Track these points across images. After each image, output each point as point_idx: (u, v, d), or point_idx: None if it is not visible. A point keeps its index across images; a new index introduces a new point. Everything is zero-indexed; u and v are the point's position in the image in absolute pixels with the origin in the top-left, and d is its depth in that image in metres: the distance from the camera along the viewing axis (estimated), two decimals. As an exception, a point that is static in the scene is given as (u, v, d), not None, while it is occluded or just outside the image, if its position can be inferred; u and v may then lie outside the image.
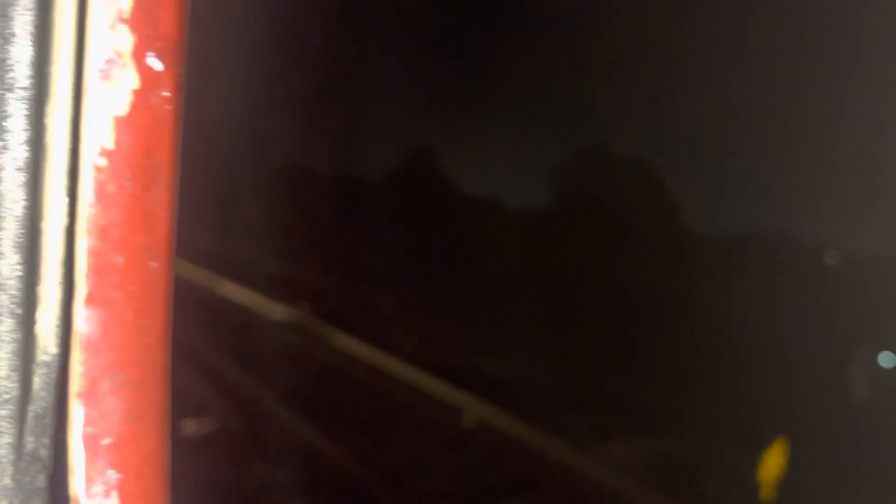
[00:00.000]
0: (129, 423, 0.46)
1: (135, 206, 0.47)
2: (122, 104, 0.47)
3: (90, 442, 0.46)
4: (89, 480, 0.46)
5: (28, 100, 0.46)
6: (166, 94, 0.48)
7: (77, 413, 0.46)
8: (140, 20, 0.47)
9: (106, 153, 0.46)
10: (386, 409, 8.54)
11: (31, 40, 0.46)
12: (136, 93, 0.47)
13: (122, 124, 0.46)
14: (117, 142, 0.46)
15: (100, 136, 0.47)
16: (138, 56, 0.47)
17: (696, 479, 7.10)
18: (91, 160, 0.46)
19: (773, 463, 5.68)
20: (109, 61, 0.46)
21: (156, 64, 0.48)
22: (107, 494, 0.46)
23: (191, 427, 6.62)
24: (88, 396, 0.46)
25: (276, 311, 9.64)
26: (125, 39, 0.47)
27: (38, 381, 0.46)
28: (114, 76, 0.46)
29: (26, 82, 0.46)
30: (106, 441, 0.46)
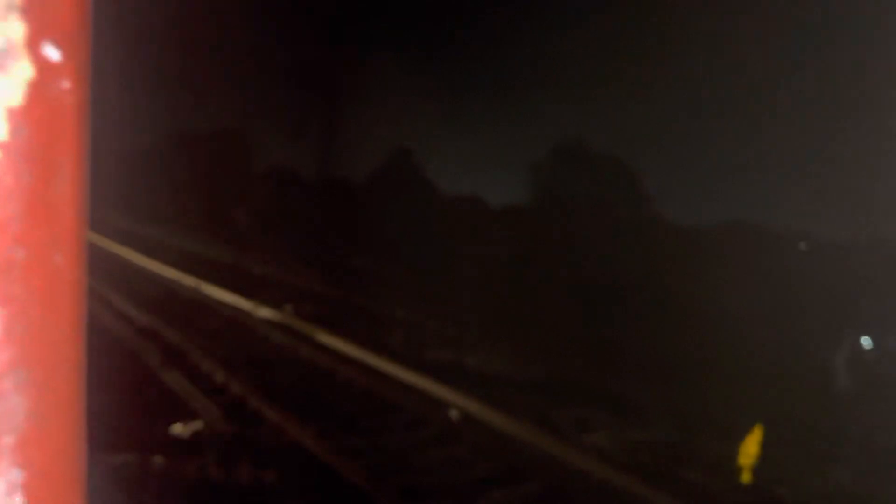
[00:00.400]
0: (35, 422, 0.44)
1: (35, 199, 0.45)
2: (16, 96, 0.44)
3: None
4: (-8, 480, 0.45)
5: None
6: (66, 84, 0.46)
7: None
8: (34, 8, 0.45)
9: (1, 146, 0.44)
10: (373, 406, 8.51)
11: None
12: (32, 84, 0.45)
13: (18, 116, 0.44)
14: (12, 134, 0.44)
15: None
16: (33, 46, 0.45)
17: (677, 466, 7.12)
18: None
19: (749, 448, 5.72)
20: (1, 51, 0.44)
21: (53, 54, 0.45)
22: (10, 493, 0.44)
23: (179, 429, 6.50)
24: None
25: (263, 312, 9.49)
26: (17, 28, 0.44)
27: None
28: (6, 67, 0.44)
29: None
30: (8, 440, 0.44)
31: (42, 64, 0.45)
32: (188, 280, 15.18)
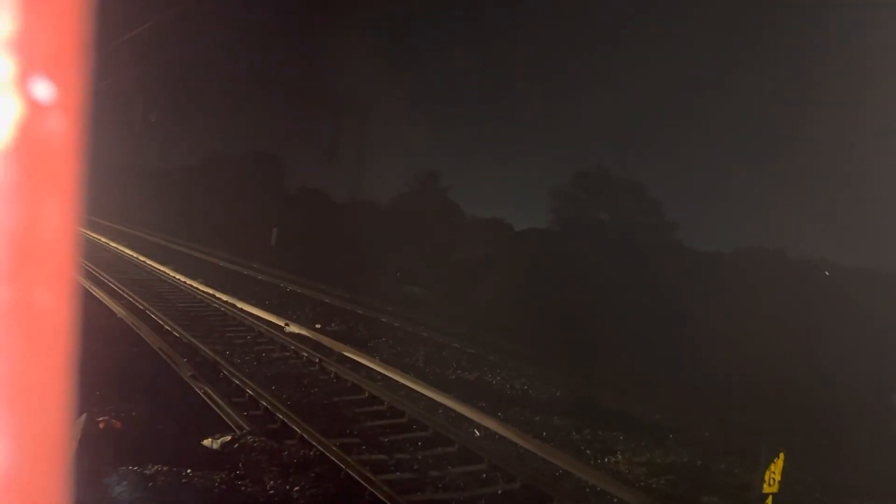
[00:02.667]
0: (13, 466, 0.44)
1: (22, 239, 0.44)
2: (3, 134, 0.43)
3: None
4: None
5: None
6: (58, 122, 0.45)
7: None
8: (24, 42, 0.43)
9: None
10: (397, 423, 8.67)
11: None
12: (20, 123, 0.43)
13: (5, 155, 0.43)
14: (0, 173, 0.43)
15: None
16: (23, 82, 0.43)
17: (698, 492, 7.16)
18: None
19: (773, 475, 5.75)
20: None
21: (44, 90, 0.44)
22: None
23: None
24: None
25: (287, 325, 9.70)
26: (5, 66, 0.43)
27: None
28: None
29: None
30: None
31: (32, 101, 0.44)
32: (222, 296, 15.51)
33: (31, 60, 0.44)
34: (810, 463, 7.59)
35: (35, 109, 0.44)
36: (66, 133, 0.45)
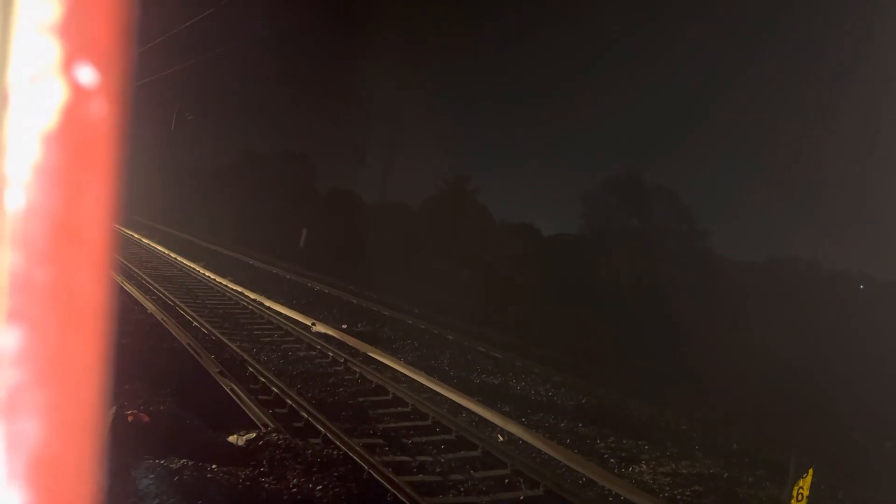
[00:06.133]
0: (48, 444, 0.44)
1: (62, 221, 0.44)
2: (49, 117, 0.44)
3: (6, 462, 0.44)
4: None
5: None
6: (100, 107, 0.45)
7: (-7, 432, 0.44)
8: (70, 28, 0.44)
9: (32, 167, 0.44)
10: (421, 425, 8.66)
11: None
12: (65, 106, 0.44)
13: (50, 138, 0.44)
14: (44, 156, 0.44)
15: (26, 150, 0.44)
16: (68, 67, 0.44)
17: (723, 503, 7.06)
18: (17, 174, 0.44)
19: (802, 490, 5.64)
20: (35, 73, 0.44)
21: (88, 75, 0.45)
22: (22, 517, 0.43)
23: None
24: (6, 415, 0.44)
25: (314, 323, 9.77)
26: (52, 50, 0.44)
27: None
28: (40, 88, 0.44)
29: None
30: (21, 461, 0.44)
31: (77, 86, 0.44)
32: (251, 294, 15.66)
33: (75, 45, 0.44)
34: (840, 479, 7.45)
35: (79, 94, 0.45)
36: (107, 119, 0.46)
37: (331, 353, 10.97)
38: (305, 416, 7.85)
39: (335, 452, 6.90)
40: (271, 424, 7.44)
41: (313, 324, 12.91)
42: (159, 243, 24.13)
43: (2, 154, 0.44)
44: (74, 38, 0.44)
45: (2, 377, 0.43)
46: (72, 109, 0.44)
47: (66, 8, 0.44)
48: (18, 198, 0.44)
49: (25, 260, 0.44)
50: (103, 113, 0.45)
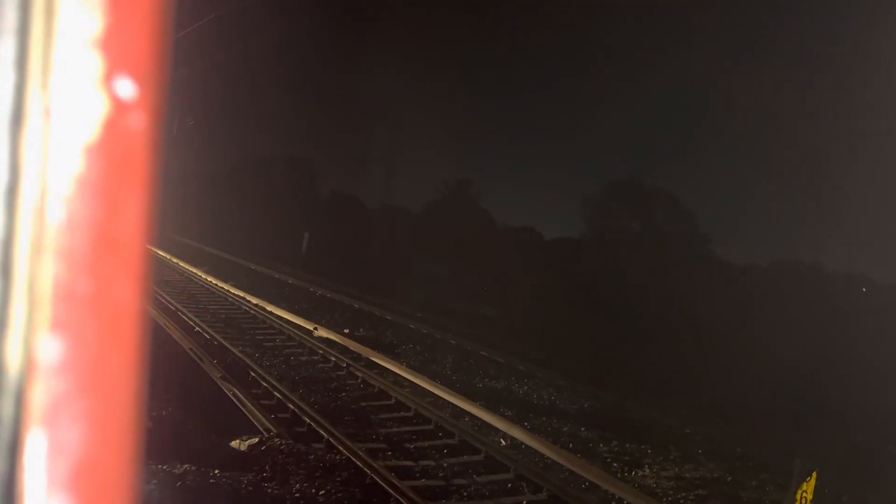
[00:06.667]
0: (89, 452, 0.45)
1: (103, 232, 0.45)
2: (90, 130, 0.45)
3: (48, 470, 0.44)
4: (47, 510, 0.44)
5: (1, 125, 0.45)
6: (140, 119, 0.47)
7: (36, 440, 0.44)
8: (111, 42, 0.45)
9: (74, 179, 0.45)
10: (424, 429, 8.66)
11: (13, 67, 0.45)
12: (106, 119, 0.46)
13: (91, 151, 0.45)
14: (86, 168, 0.45)
15: (67, 163, 0.45)
16: (107, 81, 0.45)
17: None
18: (59, 186, 0.45)
19: (806, 494, 5.64)
20: (77, 87, 0.45)
21: (128, 89, 0.46)
22: (63, 525, 0.44)
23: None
24: (48, 424, 0.44)
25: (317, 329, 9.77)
26: (93, 64, 0.45)
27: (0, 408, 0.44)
28: (82, 102, 0.45)
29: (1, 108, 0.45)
30: (63, 469, 0.44)
31: (116, 99, 0.46)
32: (252, 299, 15.66)
33: (115, 59, 0.45)
34: (843, 483, 7.44)
35: (118, 107, 0.46)
36: (145, 131, 0.47)
37: (333, 358, 10.97)
38: (308, 420, 7.85)
39: (338, 457, 6.89)
40: (274, 429, 7.44)
41: (315, 328, 12.91)
42: (159, 248, 24.15)
43: (44, 166, 0.44)
44: (114, 52, 0.45)
45: (46, 386, 0.44)
46: (112, 122, 0.45)
47: (106, 22, 0.45)
48: (61, 209, 0.44)
49: (68, 270, 0.44)
50: (142, 126, 0.46)
